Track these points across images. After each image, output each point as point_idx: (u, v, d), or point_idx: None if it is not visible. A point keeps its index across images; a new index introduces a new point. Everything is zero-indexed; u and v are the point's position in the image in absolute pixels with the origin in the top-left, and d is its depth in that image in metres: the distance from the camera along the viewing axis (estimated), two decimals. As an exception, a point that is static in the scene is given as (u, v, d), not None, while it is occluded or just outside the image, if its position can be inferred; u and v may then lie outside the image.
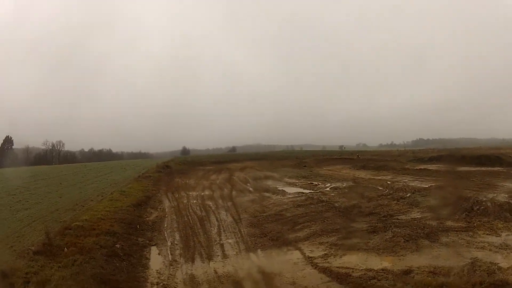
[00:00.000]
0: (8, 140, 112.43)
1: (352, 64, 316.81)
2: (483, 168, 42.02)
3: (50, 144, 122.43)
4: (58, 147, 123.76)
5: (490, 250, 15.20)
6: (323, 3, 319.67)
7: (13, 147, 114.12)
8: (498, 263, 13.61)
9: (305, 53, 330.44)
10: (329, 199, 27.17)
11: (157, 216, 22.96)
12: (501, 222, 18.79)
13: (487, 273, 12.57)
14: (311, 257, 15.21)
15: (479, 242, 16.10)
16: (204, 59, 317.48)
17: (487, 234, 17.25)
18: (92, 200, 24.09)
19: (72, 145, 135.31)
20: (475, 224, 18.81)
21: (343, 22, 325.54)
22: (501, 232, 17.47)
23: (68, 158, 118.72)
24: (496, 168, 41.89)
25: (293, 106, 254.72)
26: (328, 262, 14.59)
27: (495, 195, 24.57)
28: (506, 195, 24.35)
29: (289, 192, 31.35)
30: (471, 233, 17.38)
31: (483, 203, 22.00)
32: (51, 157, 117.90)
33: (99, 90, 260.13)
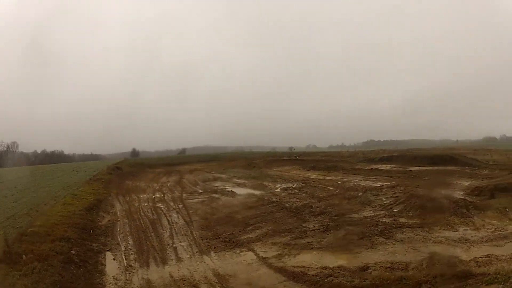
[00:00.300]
0: None
1: (312, 64, 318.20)
2: (436, 168, 43.32)
3: (5, 145, 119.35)
4: (13, 148, 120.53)
5: (449, 244, 16.01)
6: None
7: None
8: (458, 256, 14.40)
9: (267, 50, 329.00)
10: (279, 199, 27.62)
11: (109, 220, 22.84)
12: (458, 218, 19.74)
13: (448, 266, 13.20)
14: (265, 258, 15.64)
15: (436, 237, 16.93)
16: (160, 53, 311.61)
17: (443, 229, 18.08)
18: (45, 204, 23.73)
19: (26, 146, 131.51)
20: (430, 220, 19.54)
21: (305, 20, 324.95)
22: (459, 227, 18.36)
23: (22, 160, 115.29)
24: (450, 167, 43.15)
25: (245, 106, 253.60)
26: (282, 261, 15.05)
27: (450, 192, 25.59)
28: (462, 192, 25.54)
29: (238, 193, 31.69)
30: (426, 229, 18.13)
31: (437, 200, 23.00)
32: (7, 159, 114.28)
33: (54, 86, 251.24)
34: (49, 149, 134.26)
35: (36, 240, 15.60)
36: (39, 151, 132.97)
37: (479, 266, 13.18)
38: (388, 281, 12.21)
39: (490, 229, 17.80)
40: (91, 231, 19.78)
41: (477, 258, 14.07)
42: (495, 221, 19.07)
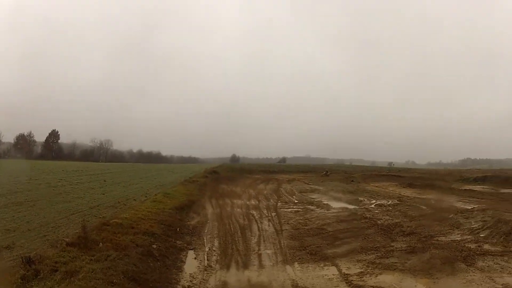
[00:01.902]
0: (53, 134, 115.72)
1: (413, 77, 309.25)
2: None
3: (98, 142, 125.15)
4: (106, 145, 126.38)
5: None
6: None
7: (59, 141, 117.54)
8: None
9: (377, 67, 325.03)
10: (372, 215, 26.79)
11: (198, 221, 22.98)
12: None
13: None
14: (346, 274, 14.95)
15: None
16: (271, 62, 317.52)
17: None
18: (135, 200, 24.41)
19: (121, 145, 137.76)
20: (511, 248, 18.20)
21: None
22: None
23: (115, 157, 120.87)
24: None
25: (347, 119, 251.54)
26: (363, 280, 14.33)
27: None
28: None
29: (333, 206, 30.97)
30: (506, 258, 16.85)
31: None
32: (98, 154, 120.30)
33: (157, 89, 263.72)
34: (146, 149, 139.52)
35: (118, 231, 15.88)
36: (135, 150, 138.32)
37: None
38: None
39: None
40: (178, 229, 19.93)
41: None
42: None
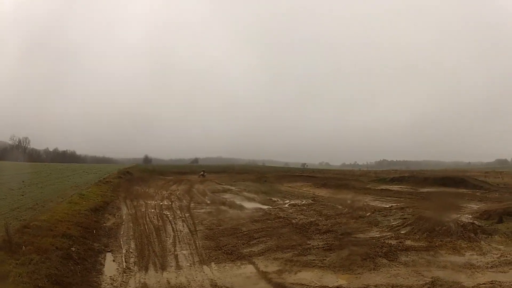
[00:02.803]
0: None
1: (328, 81, 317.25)
2: (446, 190, 42.45)
3: (17, 140, 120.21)
4: (24, 143, 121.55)
5: (453, 269, 15.53)
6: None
7: None
8: (461, 282, 14.03)
9: (284, 65, 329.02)
10: (286, 215, 27.34)
11: (114, 223, 22.92)
12: (465, 242, 19.14)
13: None
14: (265, 272, 15.45)
15: (441, 262, 16.44)
16: (176, 60, 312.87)
17: (449, 253, 17.60)
18: (52, 201, 23.81)
19: (38, 143, 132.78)
20: (437, 244, 19.07)
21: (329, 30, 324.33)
22: (465, 251, 17.85)
23: (33, 156, 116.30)
24: (460, 190, 41.94)
25: (259, 120, 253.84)
26: (282, 278, 14.85)
27: (459, 215, 24.86)
28: (471, 216, 24.71)
29: (246, 206, 31.49)
30: (432, 253, 17.69)
31: (445, 224, 22.26)
32: (17, 153, 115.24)
33: (70, 84, 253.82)
34: (61, 148, 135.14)
35: (38, 233, 15.67)
36: (51, 149, 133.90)
37: None
38: None
39: (496, 254, 17.38)
40: (94, 231, 19.85)
41: (480, 284, 13.83)
42: (501, 246, 18.60)
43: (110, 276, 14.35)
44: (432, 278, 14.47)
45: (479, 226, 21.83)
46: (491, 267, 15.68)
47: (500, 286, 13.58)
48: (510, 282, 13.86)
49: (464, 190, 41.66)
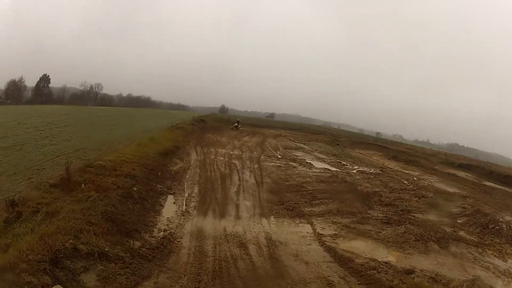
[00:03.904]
0: (44, 78, 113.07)
1: (406, 55, 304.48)
2: (507, 189, 38.93)
3: (88, 86, 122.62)
4: (96, 89, 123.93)
5: (493, 273, 14.93)
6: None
7: (49, 85, 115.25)
8: None
9: (373, 22, 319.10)
10: (353, 181, 26.66)
11: (181, 167, 23.07)
12: (511, 248, 18.20)
13: None
14: (320, 234, 15.34)
15: (485, 261, 15.82)
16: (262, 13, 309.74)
17: (494, 255, 16.82)
18: (120, 143, 24.39)
19: (111, 89, 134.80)
20: (486, 242, 18.30)
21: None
22: (508, 258, 16.92)
23: (105, 101, 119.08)
24: None
25: (341, 83, 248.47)
26: (335, 242, 14.73)
27: None
28: None
29: (315, 166, 30.79)
30: (480, 250, 17.02)
31: (499, 224, 21.28)
32: (88, 98, 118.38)
33: (147, 30, 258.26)
34: (136, 94, 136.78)
35: (101, 173, 16.03)
36: (124, 94, 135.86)
37: None
38: None
39: None
40: (160, 173, 20.06)
41: None
42: None
43: (168, 218, 14.58)
44: (474, 276, 14.07)
45: None
46: None
47: None
48: None
49: None
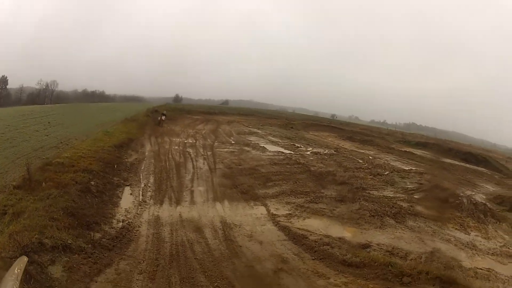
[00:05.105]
0: (2, 80, 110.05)
1: (378, 33, 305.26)
2: (467, 165, 40.88)
3: (44, 84, 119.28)
4: (52, 87, 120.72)
5: (456, 245, 15.60)
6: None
7: (7, 87, 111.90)
8: (460, 261, 14.15)
9: (327, 10, 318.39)
10: (306, 162, 27.44)
11: (136, 159, 23.40)
12: (473, 221, 18.95)
13: (445, 267, 13.08)
14: (274, 215, 16.16)
15: (445, 234, 16.54)
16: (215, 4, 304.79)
17: (456, 229, 17.56)
18: (76, 139, 24.52)
19: (66, 86, 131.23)
20: (446, 216, 18.97)
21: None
22: (471, 230, 17.73)
23: (60, 98, 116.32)
24: (480, 168, 40.49)
25: (294, 67, 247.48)
26: (290, 222, 15.56)
27: (473, 193, 24.62)
28: (484, 196, 24.30)
29: (269, 149, 31.41)
30: (439, 224, 17.70)
31: (459, 198, 22.17)
32: (44, 97, 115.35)
33: (99, 25, 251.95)
34: (91, 88, 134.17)
35: (59, 170, 16.44)
36: (79, 90, 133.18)
37: (477, 278, 13.07)
38: (376, 263, 12.42)
39: (500, 242, 17.11)
40: (115, 166, 20.47)
41: (478, 268, 13.85)
42: (507, 236, 18.18)
43: (125, 209, 15.17)
44: (433, 248, 14.66)
45: (490, 209, 21.57)
46: (492, 254, 15.61)
47: (496, 276, 13.58)
48: (505, 276, 13.76)
49: (484, 169, 40.41)
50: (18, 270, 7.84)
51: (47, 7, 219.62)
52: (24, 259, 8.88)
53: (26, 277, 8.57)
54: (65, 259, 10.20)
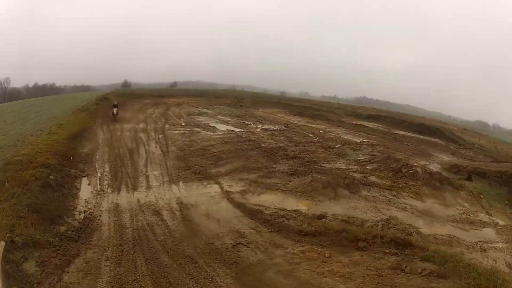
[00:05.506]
0: None
1: (323, 12, 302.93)
2: (421, 136, 41.47)
3: None
4: (5, 84, 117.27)
5: (412, 213, 16.58)
6: None
7: None
8: (418, 228, 15.06)
9: None
10: (257, 139, 28.04)
11: (90, 148, 23.60)
12: (429, 189, 19.98)
13: (403, 233, 13.93)
14: (228, 192, 17.12)
15: (401, 203, 17.49)
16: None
17: (411, 197, 18.56)
18: (32, 135, 24.47)
19: (20, 81, 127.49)
20: (401, 185, 19.89)
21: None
22: (427, 198, 18.78)
23: (13, 95, 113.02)
24: (434, 139, 41.09)
25: (242, 44, 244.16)
26: (245, 198, 16.51)
27: (428, 163, 25.66)
28: (439, 166, 25.39)
29: (219, 129, 31.79)
30: (394, 193, 18.64)
31: (413, 168, 23.05)
32: None
33: (45, 13, 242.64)
34: (41, 82, 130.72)
35: (19, 168, 16.79)
36: (30, 85, 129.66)
37: (437, 244, 13.69)
38: (331, 231, 13.24)
39: (460, 210, 17.94)
40: (71, 158, 20.73)
41: (438, 234, 14.66)
42: (466, 204, 19.07)
43: (85, 199, 15.82)
44: (389, 216, 15.62)
45: (447, 177, 22.44)
46: (452, 221, 16.59)
47: (458, 242, 14.48)
48: (467, 242, 14.64)
49: (438, 140, 41.05)
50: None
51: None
52: (1, 243, 9.85)
53: (4, 276, 9.34)
54: (37, 254, 10.87)
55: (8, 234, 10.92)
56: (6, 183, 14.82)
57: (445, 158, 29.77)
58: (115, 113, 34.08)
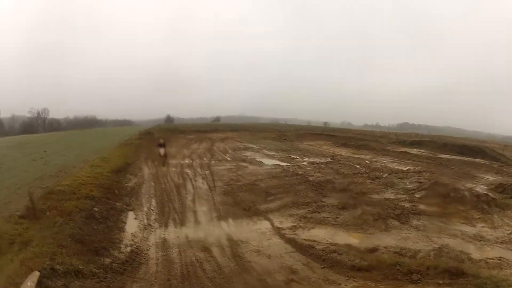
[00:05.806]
0: None
1: (356, 40, 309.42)
2: (464, 158, 41.07)
3: (36, 112, 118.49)
4: (43, 114, 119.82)
5: (463, 239, 15.55)
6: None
7: None
8: (470, 253, 14.08)
9: (309, 22, 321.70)
10: (304, 172, 27.37)
11: (135, 182, 23.35)
12: (478, 213, 18.94)
13: (456, 261, 12.95)
14: (279, 228, 16.07)
15: (451, 230, 16.47)
16: (199, 17, 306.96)
17: (461, 222, 17.54)
18: (74, 167, 24.35)
19: (57, 112, 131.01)
20: (450, 211, 18.99)
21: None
22: (477, 223, 17.71)
23: (53, 126, 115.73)
24: (477, 160, 40.09)
25: (283, 77, 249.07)
26: (295, 233, 15.46)
27: (474, 185, 24.68)
28: (486, 187, 24.37)
29: (266, 163, 31.40)
30: (444, 220, 17.69)
31: (460, 192, 22.16)
32: (37, 125, 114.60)
33: (86, 51, 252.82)
34: (81, 114, 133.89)
35: (62, 198, 16.31)
36: (71, 116, 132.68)
37: (488, 268, 12.92)
38: (384, 265, 12.44)
39: (507, 230, 17.10)
40: (116, 191, 20.36)
41: (488, 258, 13.79)
42: None
43: (132, 233, 15.06)
44: (441, 245, 14.67)
45: (493, 198, 21.52)
46: (501, 242, 15.58)
47: (508, 264, 13.53)
48: None
49: (481, 160, 40.48)
50: (31, 283, 7.88)
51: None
52: (36, 273, 8.94)
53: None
54: (79, 284, 10.12)
55: (48, 262, 10.18)
56: (48, 211, 14.31)
57: (490, 178, 28.72)
58: (162, 154, 30.82)
